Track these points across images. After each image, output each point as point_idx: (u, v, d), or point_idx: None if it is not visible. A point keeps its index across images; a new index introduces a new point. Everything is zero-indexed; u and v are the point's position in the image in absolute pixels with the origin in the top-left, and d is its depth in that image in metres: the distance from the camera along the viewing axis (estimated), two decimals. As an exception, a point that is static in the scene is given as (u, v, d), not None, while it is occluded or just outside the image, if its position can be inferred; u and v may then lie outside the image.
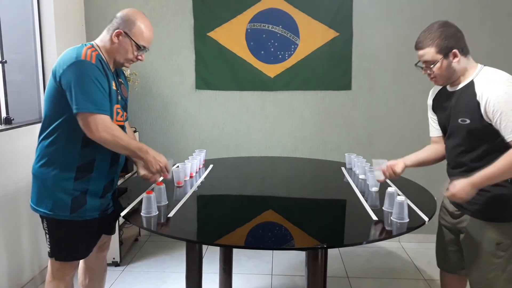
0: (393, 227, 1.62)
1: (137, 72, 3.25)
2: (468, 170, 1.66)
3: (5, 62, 2.56)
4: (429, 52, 1.66)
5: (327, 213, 1.91)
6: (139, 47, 1.79)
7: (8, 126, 2.55)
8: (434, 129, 1.94)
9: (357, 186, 2.11)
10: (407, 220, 1.64)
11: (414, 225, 1.61)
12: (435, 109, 1.90)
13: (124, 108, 1.92)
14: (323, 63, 3.31)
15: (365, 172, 2.21)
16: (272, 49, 3.32)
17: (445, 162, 1.88)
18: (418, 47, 1.70)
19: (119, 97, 1.84)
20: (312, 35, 3.28)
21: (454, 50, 1.64)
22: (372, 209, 1.76)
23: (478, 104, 1.59)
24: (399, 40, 3.27)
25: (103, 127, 1.64)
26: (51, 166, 1.74)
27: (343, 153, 2.82)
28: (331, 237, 1.64)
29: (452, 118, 1.73)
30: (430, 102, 1.93)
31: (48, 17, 2.93)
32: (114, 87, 1.78)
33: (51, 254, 1.82)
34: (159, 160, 1.81)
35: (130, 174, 3.24)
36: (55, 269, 1.83)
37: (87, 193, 1.77)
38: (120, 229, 3.01)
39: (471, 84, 1.65)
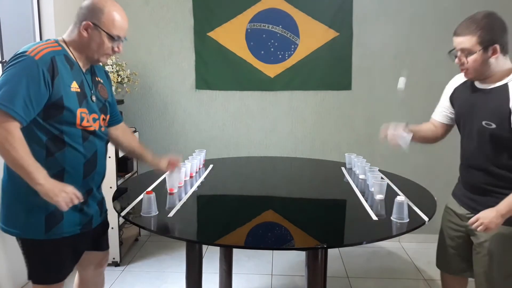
0: (393, 227, 1.62)
1: (137, 72, 3.25)
2: (487, 173, 1.63)
3: (5, 62, 2.56)
4: (469, 41, 1.54)
5: (327, 213, 1.91)
6: (112, 38, 1.57)
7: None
8: (441, 115, 1.88)
9: (357, 186, 2.11)
10: (407, 220, 1.63)
11: (414, 225, 1.61)
12: (453, 99, 1.79)
13: (103, 110, 1.70)
14: (323, 63, 3.30)
15: (365, 172, 2.21)
16: (272, 49, 3.31)
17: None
18: (457, 33, 1.59)
19: (93, 98, 1.64)
20: (312, 35, 3.27)
21: (495, 45, 1.53)
22: (373, 211, 1.76)
23: (510, 111, 1.50)
24: (399, 40, 3.27)
25: (3, 126, 1.39)
26: (17, 179, 1.47)
27: (343, 153, 2.82)
28: (331, 237, 1.64)
29: (475, 118, 1.63)
30: (450, 88, 1.83)
31: (48, 17, 2.93)
32: (76, 89, 1.56)
33: (29, 277, 1.63)
34: (62, 188, 1.47)
35: (130, 174, 3.24)
36: None
37: None
38: (120, 229, 3.01)
39: (505, 87, 1.56)
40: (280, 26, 3.28)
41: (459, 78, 1.79)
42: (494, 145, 1.58)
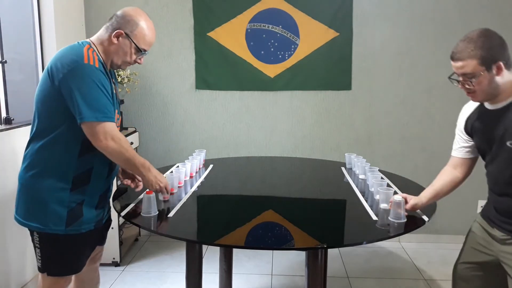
0: (393, 227, 1.62)
1: (137, 72, 3.25)
2: None
3: (5, 62, 2.56)
4: (470, 64, 1.45)
5: (327, 213, 1.90)
6: (139, 50, 1.66)
7: (8, 126, 2.55)
8: (460, 150, 1.74)
9: (357, 186, 2.11)
10: (404, 220, 1.63)
11: (414, 225, 1.62)
12: (469, 130, 1.67)
13: (119, 110, 1.81)
14: (323, 63, 3.31)
15: (365, 172, 2.21)
16: (272, 49, 3.31)
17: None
18: (456, 58, 1.50)
19: (117, 99, 1.76)
20: (312, 35, 3.27)
21: (498, 63, 1.44)
22: (372, 210, 1.76)
23: None
24: (399, 40, 3.27)
25: (112, 136, 1.54)
26: (44, 175, 1.59)
27: (343, 153, 2.82)
28: (331, 237, 1.64)
29: (496, 141, 1.53)
30: (462, 121, 1.71)
31: (48, 17, 2.93)
32: (114, 90, 1.69)
33: (43, 270, 1.68)
34: (159, 179, 1.71)
35: (130, 174, 3.24)
36: (47, 285, 1.69)
37: (83, 204, 1.65)
38: (120, 229, 3.01)
39: None
40: (280, 26, 3.28)
41: (467, 108, 1.70)
42: None
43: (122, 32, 1.61)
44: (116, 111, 1.70)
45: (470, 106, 1.68)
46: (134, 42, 1.63)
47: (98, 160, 1.64)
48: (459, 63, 1.49)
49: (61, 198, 1.60)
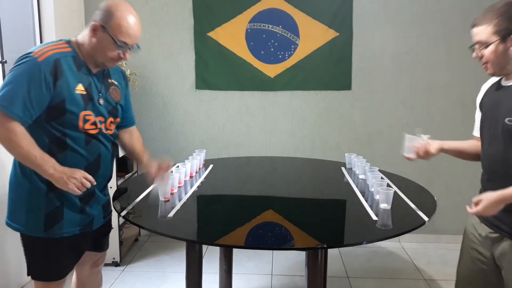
0: (393, 227, 1.62)
1: (137, 72, 3.25)
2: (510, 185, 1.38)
3: (5, 62, 2.56)
4: (484, 31, 1.39)
5: (327, 213, 1.91)
6: (118, 44, 1.52)
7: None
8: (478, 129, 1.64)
9: (357, 186, 2.11)
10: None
11: (414, 225, 1.61)
12: (482, 104, 1.60)
13: (112, 113, 1.68)
14: (323, 63, 3.30)
15: (365, 172, 2.21)
16: (272, 49, 3.31)
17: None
18: (474, 23, 1.43)
19: (100, 101, 1.61)
20: (312, 35, 3.27)
21: None
22: (372, 210, 1.76)
23: None
24: (399, 40, 3.27)
25: (6, 126, 1.43)
26: (24, 175, 1.56)
27: (343, 153, 2.82)
28: (331, 237, 1.64)
29: (498, 117, 1.44)
30: (480, 96, 1.62)
31: (48, 17, 2.93)
32: (81, 91, 1.54)
33: (28, 273, 1.64)
34: (71, 175, 1.50)
35: (130, 174, 3.24)
36: None
37: (64, 207, 1.58)
38: (120, 229, 3.01)
39: None
40: (280, 26, 3.28)
41: (486, 85, 1.62)
42: None
43: (98, 24, 1.52)
44: (87, 113, 1.57)
45: (489, 82, 1.60)
46: (110, 35, 1.52)
47: (70, 163, 1.55)
48: (476, 29, 1.43)
49: (38, 200, 1.56)
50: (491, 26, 1.38)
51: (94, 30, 1.53)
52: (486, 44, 1.40)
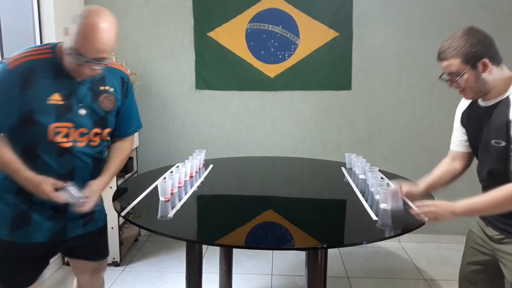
0: (393, 227, 1.62)
1: (137, 72, 3.25)
2: None
3: (5, 62, 2.56)
4: (454, 63, 1.45)
5: (327, 213, 1.91)
6: (75, 55, 1.36)
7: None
8: (458, 143, 1.72)
9: (357, 186, 2.11)
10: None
11: (414, 225, 1.61)
12: (464, 123, 1.67)
13: (99, 123, 1.56)
14: (323, 63, 3.30)
15: (365, 172, 2.21)
16: (272, 49, 3.31)
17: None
18: (440, 57, 1.50)
19: (81, 112, 1.50)
20: (312, 35, 3.27)
21: (483, 59, 1.42)
22: (372, 210, 1.76)
23: (509, 121, 1.40)
24: (399, 40, 3.27)
25: None
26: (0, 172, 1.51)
27: (343, 153, 2.82)
28: (331, 237, 1.64)
29: (484, 139, 1.51)
30: (458, 114, 1.70)
31: (48, 17, 2.93)
32: (57, 101, 1.44)
33: None
34: (39, 187, 1.42)
35: (130, 174, 3.24)
36: None
37: (33, 212, 1.51)
38: (120, 229, 3.01)
39: (506, 101, 1.45)
40: (280, 26, 3.28)
41: (464, 102, 1.69)
42: (509, 163, 1.43)
43: (68, 29, 1.39)
44: (58, 125, 1.46)
45: (467, 100, 1.66)
46: (72, 45, 1.36)
47: (42, 172, 1.45)
48: (444, 63, 1.49)
49: (7, 198, 1.51)
50: (459, 58, 1.44)
51: (65, 34, 1.40)
52: (458, 74, 1.46)
